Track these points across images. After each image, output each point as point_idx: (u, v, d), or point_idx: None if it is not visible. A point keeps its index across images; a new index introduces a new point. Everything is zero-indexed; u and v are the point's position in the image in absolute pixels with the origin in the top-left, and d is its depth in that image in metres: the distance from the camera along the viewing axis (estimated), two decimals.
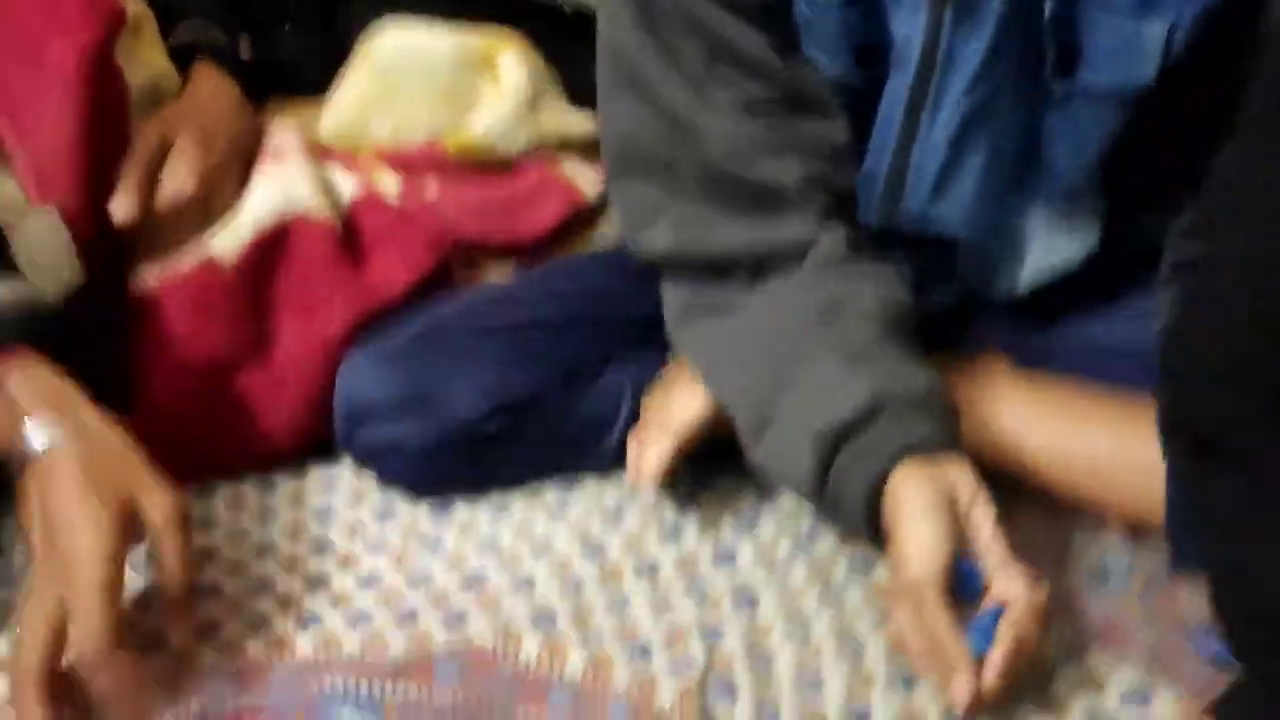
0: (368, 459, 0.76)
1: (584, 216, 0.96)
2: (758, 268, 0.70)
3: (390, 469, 0.75)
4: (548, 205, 0.93)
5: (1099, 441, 0.68)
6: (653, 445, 0.71)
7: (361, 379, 0.75)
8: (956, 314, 0.78)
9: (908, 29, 0.65)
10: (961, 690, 0.55)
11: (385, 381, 0.74)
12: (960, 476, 0.62)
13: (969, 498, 0.61)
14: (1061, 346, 0.75)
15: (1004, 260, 0.73)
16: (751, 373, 0.68)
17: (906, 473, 0.61)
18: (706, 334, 0.71)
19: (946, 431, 0.64)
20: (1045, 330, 0.76)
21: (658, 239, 0.72)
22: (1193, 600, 0.65)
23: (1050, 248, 0.72)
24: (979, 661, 0.56)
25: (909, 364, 0.66)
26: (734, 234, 0.70)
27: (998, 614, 0.58)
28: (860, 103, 0.69)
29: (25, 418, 0.61)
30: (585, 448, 0.78)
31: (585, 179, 0.96)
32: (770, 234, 0.70)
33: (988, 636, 0.57)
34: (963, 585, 0.59)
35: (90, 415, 0.62)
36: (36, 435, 0.60)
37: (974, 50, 0.64)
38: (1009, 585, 0.58)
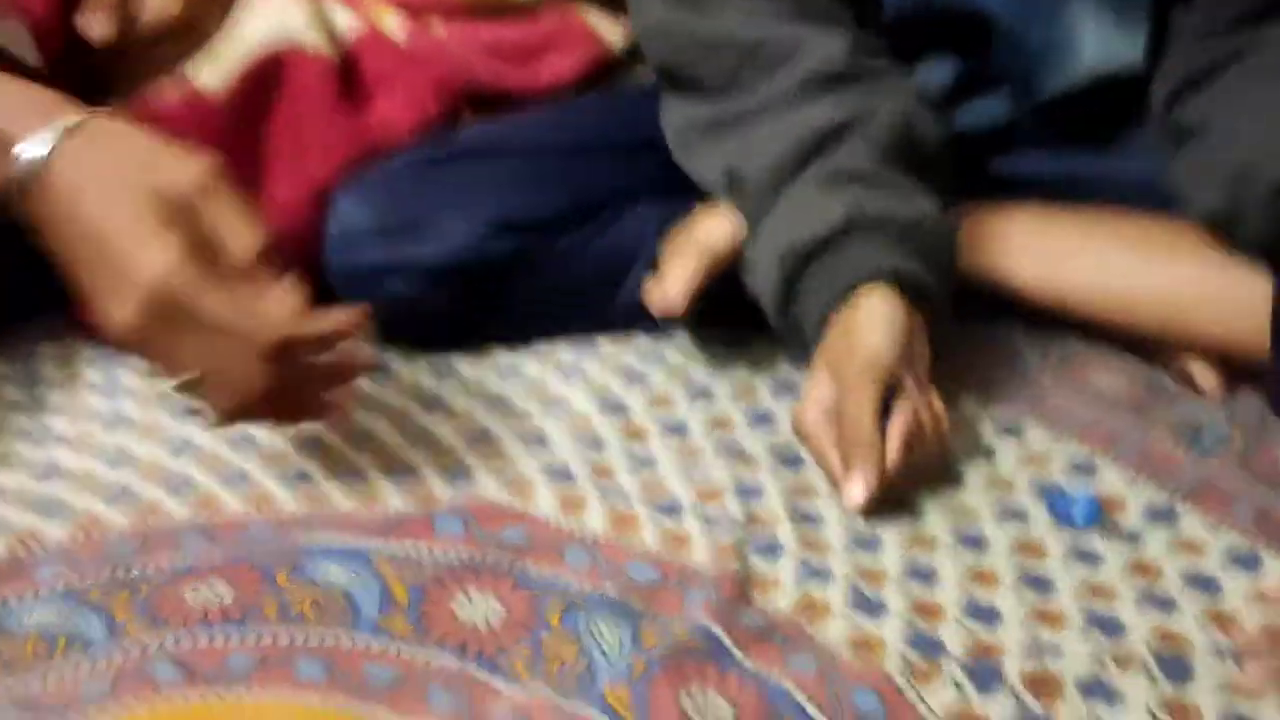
0: (357, 292, 0.67)
1: (606, 72, 0.88)
2: (740, 65, 0.64)
3: (382, 304, 0.67)
4: (569, 52, 0.84)
5: (1135, 268, 0.65)
6: (675, 267, 0.63)
7: (350, 206, 0.67)
8: (999, 142, 0.71)
9: None
10: (865, 474, 0.54)
11: (375, 206, 0.66)
12: (919, 333, 0.58)
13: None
14: (1103, 179, 0.69)
15: (1052, 54, 0.67)
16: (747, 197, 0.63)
17: (870, 293, 0.58)
18: (709, 153, 0.66)
19: (927, 267, 0.59)
20: (1089, 160, 0.70)
21: (649, 9, 0.67)
22: None
23: (1101, 43, 0.66)
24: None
25: (902, 190, 0.61)
26: (724, 17, 0.65)
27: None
28: None
29: (16, 134, 0.51)
30: (600, 294, 0.69)
31: (609, 29, 0.88)
32: (761, 29, 0.64)
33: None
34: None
35: (84, 112, 0.52)
36: (33, 146, 0.50)
37: None
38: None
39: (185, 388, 0.52)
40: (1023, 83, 0.69)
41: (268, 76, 0.72)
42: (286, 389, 0.52)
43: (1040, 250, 0.66)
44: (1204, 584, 0.52)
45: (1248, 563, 0.53)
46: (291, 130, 0.73)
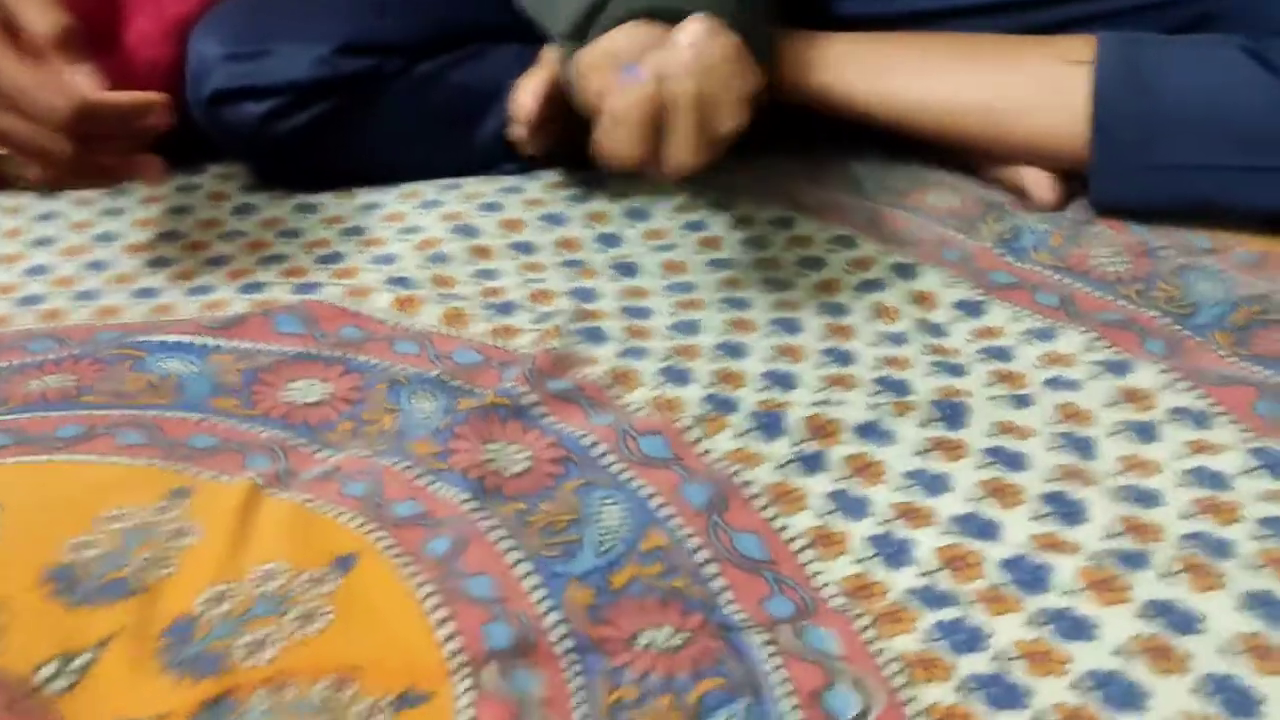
0: (218, 121, 0.68)
1: None
2: None
3: (242, 129, 0.68)
4: None
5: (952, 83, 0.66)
6: (529, 78, 0.64)
7: (205, 33, 0.68)
8: None
9: None
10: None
11: (224, 34, 0.67)
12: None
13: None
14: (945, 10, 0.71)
15: None
16: None
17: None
18: None
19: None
20: None
21: None
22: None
23: None
24: None
25: None
26: None
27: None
28: None
29: None
30: (463, 125, 0.71)
31: None
32: None
33: None
34: None
35: None
36: None
37: None
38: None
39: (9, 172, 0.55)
40: None
41: None
42: (93, 155, 0.54)
43: (869, 64, 0.68)
44: (997, 354, 0.55)
45: (1043, 335, 0.56)
46: None
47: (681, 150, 0.51)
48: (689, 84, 0.50)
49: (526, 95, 0.64)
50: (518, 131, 0.66)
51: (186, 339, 0.55)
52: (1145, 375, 0.52)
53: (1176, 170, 0.61)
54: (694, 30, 0.52)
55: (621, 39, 0.54)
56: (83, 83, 0.54)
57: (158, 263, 0.65)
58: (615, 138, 0.51)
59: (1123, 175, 0.63)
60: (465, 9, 0.71)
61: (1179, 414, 0.50)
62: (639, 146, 0.50)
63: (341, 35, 0.67)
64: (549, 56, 0.66)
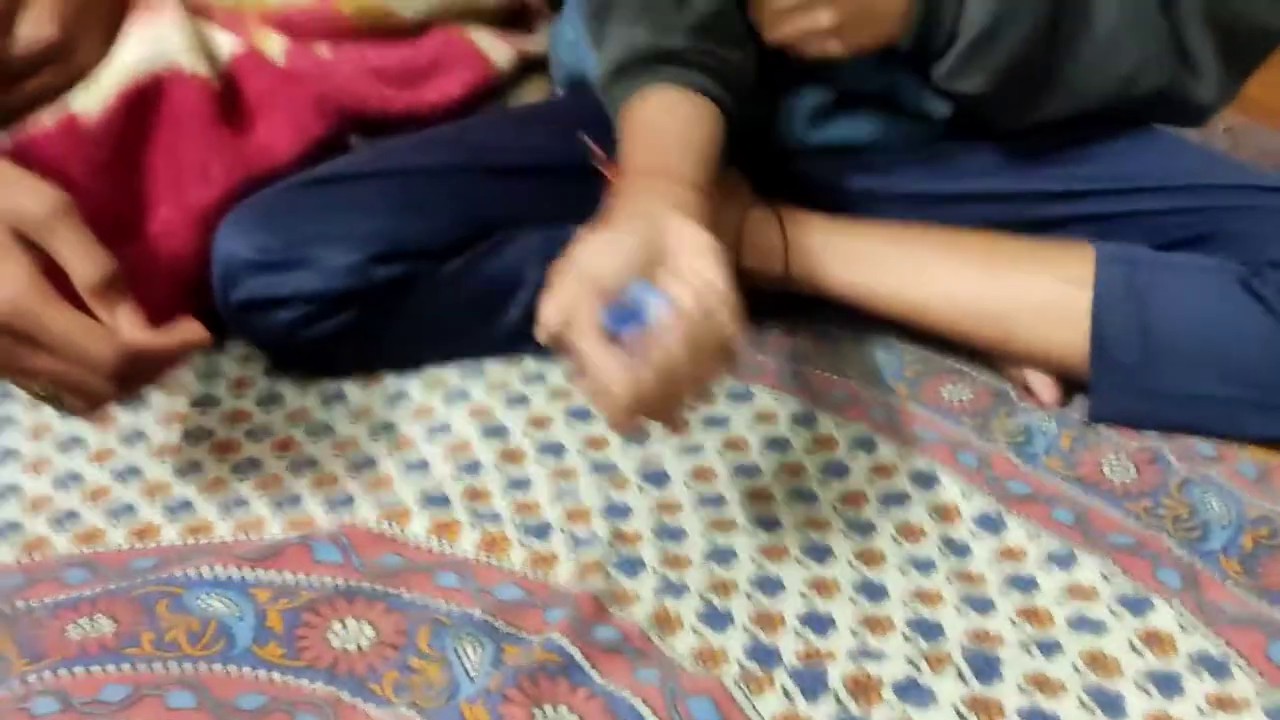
0: (246, 325, 0.69)
1: (493, 91, 0.90)
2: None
3: (270, 334, 0.69)
4: (455, 73, 0.86)
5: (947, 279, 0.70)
6: (556, 295, 0.66)
7: (232, 235, 0.68)
8: (865, 158, 0.76)
9: None
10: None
11: (256, 234, 0.67)
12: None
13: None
14: (959, 194, 0.75)
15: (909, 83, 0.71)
16: None
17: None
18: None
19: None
20: (944, 177, 0.75)
21: None
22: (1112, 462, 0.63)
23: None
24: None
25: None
26: None
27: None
28: None
29: None
30: (486, 317, 0.72)
31: (496, 49, 0.90)
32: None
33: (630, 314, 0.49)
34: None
35: None
36: None
37: None
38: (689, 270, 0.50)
39: (41, 395, 0.56)
40: (887, 107, 0.73)
41: (146, 99, 0.73)
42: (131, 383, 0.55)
43: (879, 261, 0.71)
44: (1022, 586, 0.57)
45: (1062, 562, 0.58)
46: (170, 153, 0.74)
47: (676, 422, 0.49)
48: (684, 365, 0.47)
49: (554, 312, 0.65)
50: (542, 338, 0.67)
51: (224, 572, 0.56)
52: (1163, 616, 0.55)
53: (1172, 396, 0.64)
54: (698, 284, 0.49)
55: (601, 260, 0.51)
56: (125, 326, 0.54)
57: (188, 469, 0.65)
58: (601, 404, 0.48)
59: (1121, 397, 0.65)
60: (492, 203, 0.73)
61: (1199, 661, 0.52)
62: (627, 421, 0.48)
63: (374, 243, 0.68)
64: (576, 263, 0.67)
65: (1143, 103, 0.70)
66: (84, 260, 0.54)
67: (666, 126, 0.62)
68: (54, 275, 0.55)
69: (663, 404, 0.48)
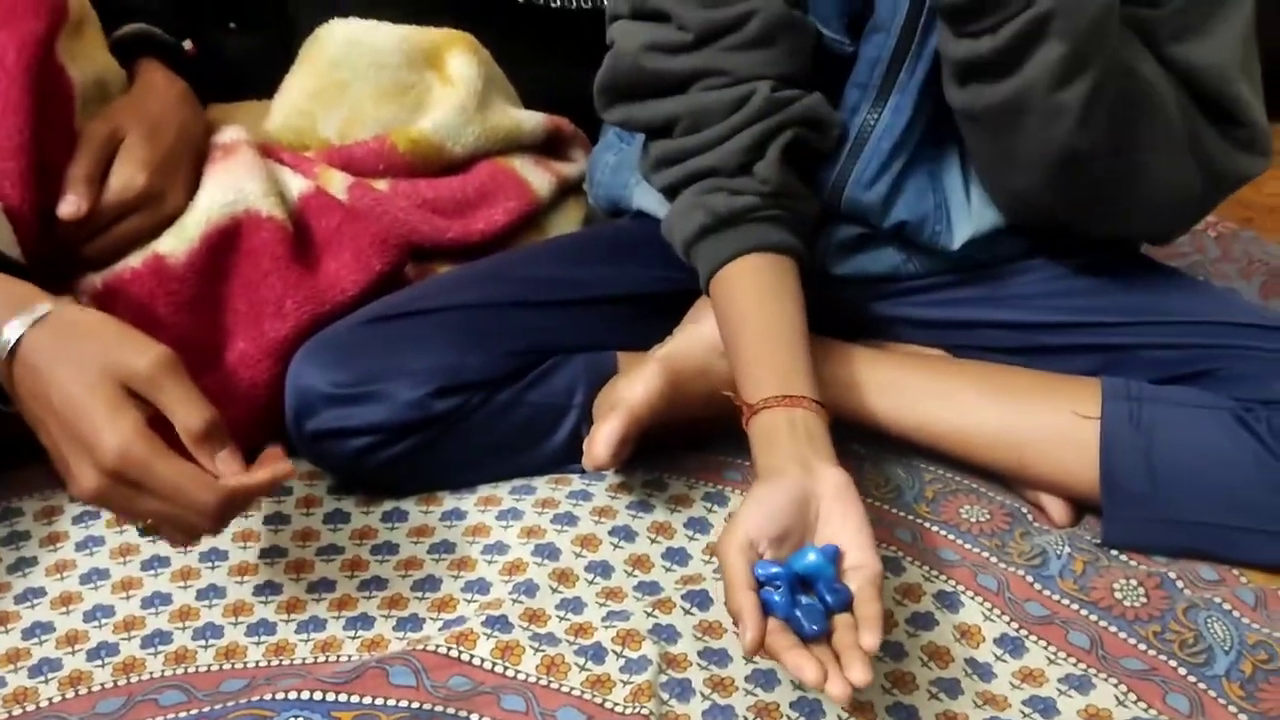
0: (317, 450, 0.75)
1: (534, 216, 0.97)
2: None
3: (338, 458, 0.75)
4: (501, 202, 0.93)
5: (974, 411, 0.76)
6: (602, 423, 0.71)
7: (307, 370, 0.74)
8: (891, 287, 0.82)
9: None
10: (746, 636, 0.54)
11: (330, 370, 0.73)
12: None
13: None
14: (980, 322, 0.81)
15: (936, 216, 0.78)
16: None
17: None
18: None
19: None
20: (968, 306, 0.81)
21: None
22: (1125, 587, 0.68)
23: (974, 209, 0.78)
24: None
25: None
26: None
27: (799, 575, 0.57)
28: (838, 70, 0.75)
29: None
30: (537, 440, 0.78)
31: (537, 176, 0.97)
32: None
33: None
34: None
35: (52, 302, 0.62)
36: (6, 333, 0.60)
37: None
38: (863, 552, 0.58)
39: (146, 531, 0.63)
40: (912, 240, 0.79)
41: (226, 241, 0.80)
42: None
43: (905, 393, 0.76)
44: (1043, 710, 0.62)
45: (1080, 686, 0.63)
46: (249, 290, 0.80)
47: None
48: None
49: (602, 449, 0.71)
50: (588, 466, 0.73)
51: (310, 695, 0.61)
52: None
53: (1177, 524, 0.70)
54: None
55: (758, 515, 0.58)
56: (226, 471, 0.60)
57: (266, 589, 0.70)
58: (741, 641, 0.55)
59: (1130, 524, 0.71)
60: (543, 333, 0.79)
61: None
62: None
63: (436, 377, 0.74)
64: (619, 399, 0.73)
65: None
66: (188, 411, 0.60)
67: (776, 329, 0.68)
68: (159, 424, 0.61)
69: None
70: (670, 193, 0.76)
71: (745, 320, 0.69)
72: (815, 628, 0.55)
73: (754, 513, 0.59)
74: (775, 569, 0.57)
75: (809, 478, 0.60)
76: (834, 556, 0.58)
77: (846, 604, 0.56)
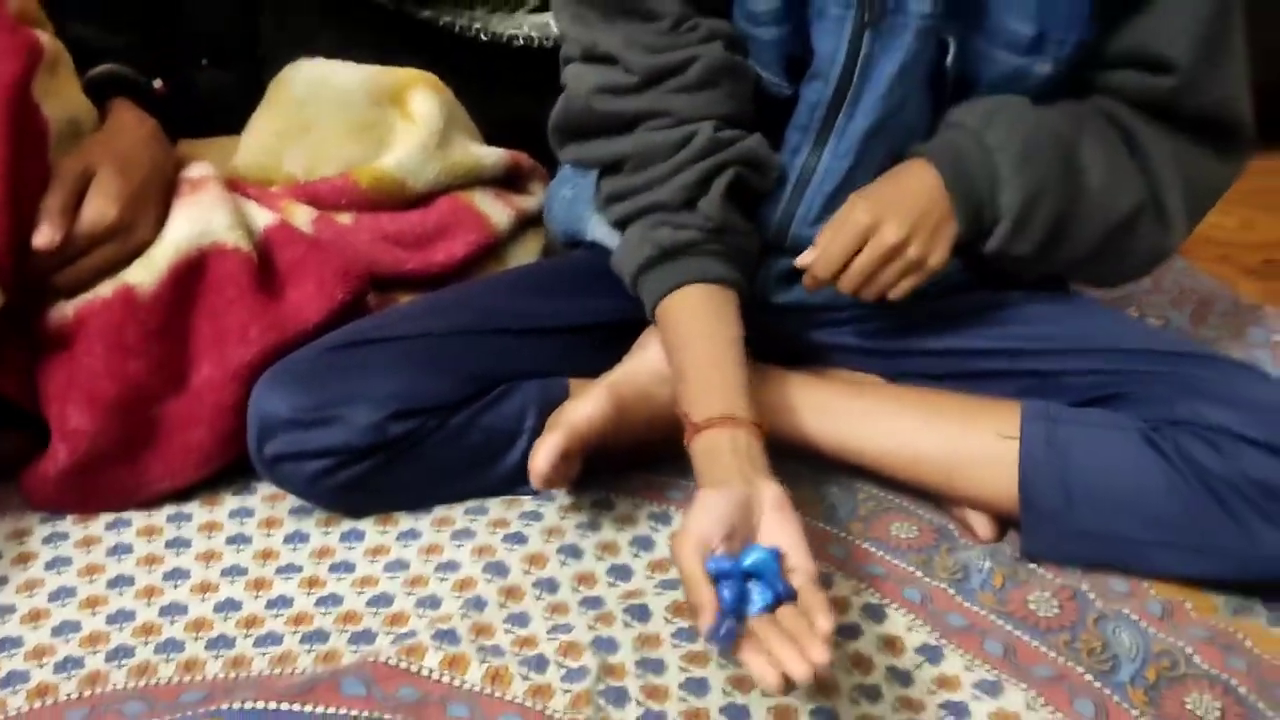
0: (278, 473, 0.79)
1: (493, 248, 1.01)
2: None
3: (297, 481, 0.78)
4: (460, 235, 0.97)
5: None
6: (545, 438, 0.75)
7: (269, 395, 0.78)
8: (821, 317, 0.86)
9: (830, 45, 0.76)
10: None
11: (291, 395, 0.77)
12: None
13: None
14: (903, 350, 0.86)
15: None
16: None
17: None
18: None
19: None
20: (891, 335, 0.86)
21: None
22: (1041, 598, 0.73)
23: None
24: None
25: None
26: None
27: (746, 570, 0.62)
28: (780, 112, 0.80)
29: None
30: (490, 461, 0.81)
31: (496, 210, 1.01)
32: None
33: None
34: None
35: None
36: None
37: (886, 69, 0.75)
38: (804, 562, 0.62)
39: None
40: None
41: (193, 271, 0.83)
42: None
43: (841, 416, 0.81)
44: (956, 711, 0.66)
45: (991, 691, 0.67)
46: (214, 318, 0.83)
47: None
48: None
49: (543, 462, 0.75)
50: (536, 484, 0.77)
51: (264, 705, 0.64)
52: None
53: (1091, 537, 0.74)
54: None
55: (707, 519, 0.63)
56: None
57: (225, 606, 0.74)
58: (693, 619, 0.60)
59: (1047, 537, 0.75)
60: (497, 360, 0.83)
61: None
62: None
63: (392, 402, 0.77)
64: (564, 418, 0.77)
65: (1131, 254, 0.82)
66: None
67: (714, 353, 0.73)
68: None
69: None
70: (620, 226, 0.80)
71: (688, 346, 0.74)
72: (763, 604, 0.60)
73: (704, 517, 0.63)
74: (727, 564, 0.61)
75: (750, 489, 0.65)
76: (778, 555, 0.62)
77: (792, 596, 0.61)
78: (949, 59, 0.76)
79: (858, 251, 0.76)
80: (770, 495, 0.65)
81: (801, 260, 0.78)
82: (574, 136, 0.81)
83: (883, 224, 0.75)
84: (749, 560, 0.62)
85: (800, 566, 0.62)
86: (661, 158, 0.77)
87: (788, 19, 0.76)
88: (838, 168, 0.79)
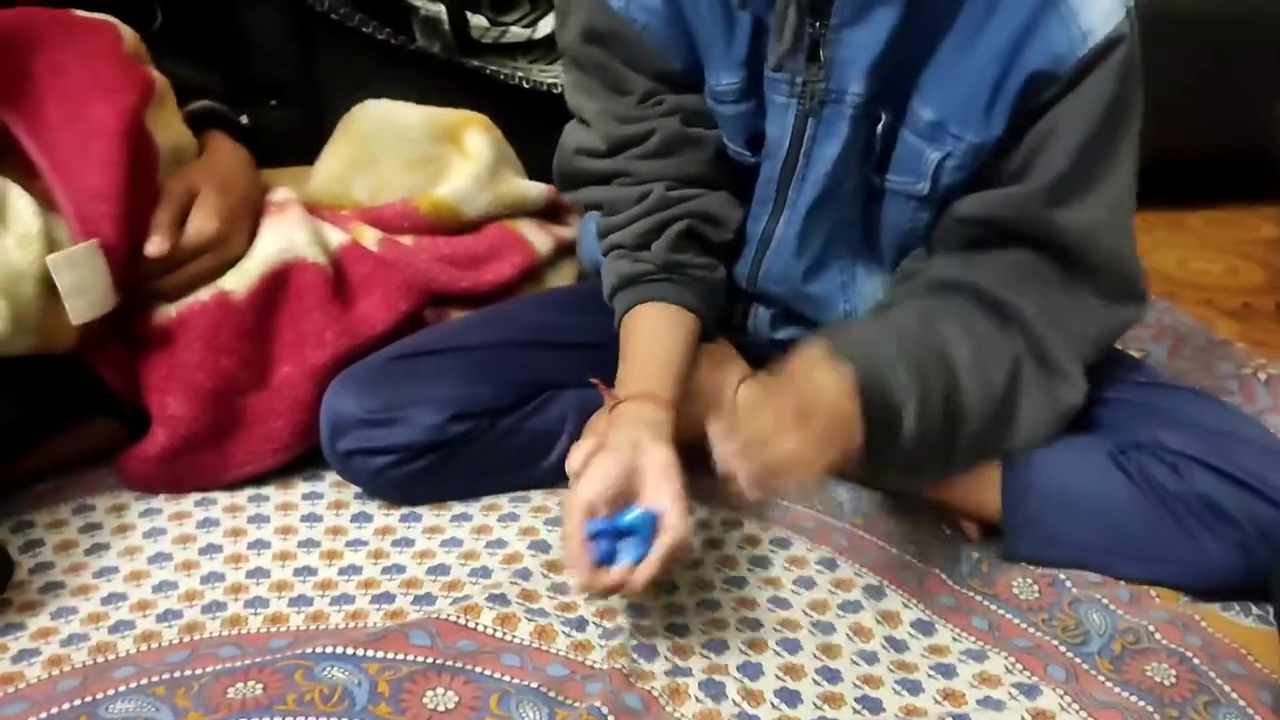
0: (347, 466, 0.89)
1: (535, 271, 1.12)
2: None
3: (364, 473, 0.89)
4: (508, 258, 1.09)
5: None
6: (579, 448, 0.85)
7: (341, 397, 0.88)
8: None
9: (779, 130, 0.85)
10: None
11: (361, 397, 0.88)
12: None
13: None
14: None
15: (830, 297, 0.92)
16: None
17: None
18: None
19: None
20: None
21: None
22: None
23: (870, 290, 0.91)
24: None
25: None
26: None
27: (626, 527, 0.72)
28: (751, 177, 0.90)
29: None
30: (533, 460, 0.92)
31: (538, 237, 1.12)
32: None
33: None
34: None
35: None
36: None
37: (828, 151, 0.85)
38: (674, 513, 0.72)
39: None
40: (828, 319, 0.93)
41: (278, 281, 0.94)
42: None
43: None
44: (943, 671, 0.75)
45: (976, 657, 0.77)
46: (295, 322, 0.95)
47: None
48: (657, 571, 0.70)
49: (575, 458, 0.85)
50: (572, 482, 0.87)
51: (344, 650, 0.74)
52: (1049, 700, 0.73)
53: (1063, 545, 0.83)
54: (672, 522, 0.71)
55: (595, 484, 0.72)
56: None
57: (303, 571, 0.84)
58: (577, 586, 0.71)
59: (1025, 543, 0.85)
60: (541, 370, 0.93)
61: None
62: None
63: (451, 406, 0.88)
64: (597, 424, 0.88)
65: (1032, 414, 0.81)
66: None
67: (651, 348, 0.83)
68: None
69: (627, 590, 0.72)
70: (605, 255, 0.91)
71: (629, 342, 0.85)
72: (631, 560, 0.71)
73: (592, 482, 0.73)
74: (601, 526, 0.72)
75: (638, 455, 0.74)
76: (653, 519, 0.72)
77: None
78: (879, 129, 0.83)
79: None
80: (657, 460, 0.74)
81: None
82: (567, 184, 0.93)
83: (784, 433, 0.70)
84: (624, 521, 0.72)
85: (673, 527, 0.71)
86: (624, 208, 0.88)
87: (746, 99, 0.86)
88: (790, 234, 0.89)
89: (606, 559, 0.71)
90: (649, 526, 0.72)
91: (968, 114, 0.79)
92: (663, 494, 0.73)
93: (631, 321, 0.86)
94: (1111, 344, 0.88)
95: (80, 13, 0.93)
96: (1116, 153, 0.80)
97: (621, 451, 0.75)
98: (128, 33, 0.94)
